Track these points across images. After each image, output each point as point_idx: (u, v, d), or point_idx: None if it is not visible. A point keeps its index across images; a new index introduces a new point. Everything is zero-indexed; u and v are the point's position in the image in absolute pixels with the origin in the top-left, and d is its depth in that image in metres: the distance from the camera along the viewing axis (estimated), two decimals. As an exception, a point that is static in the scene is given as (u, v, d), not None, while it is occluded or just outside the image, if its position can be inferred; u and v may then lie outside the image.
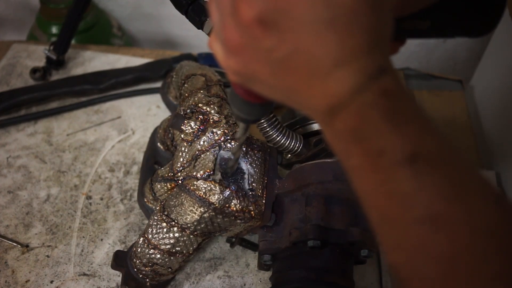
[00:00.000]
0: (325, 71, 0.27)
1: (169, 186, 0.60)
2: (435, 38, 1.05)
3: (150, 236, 0.56)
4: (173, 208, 0.55)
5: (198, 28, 0.56)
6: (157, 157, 0.71)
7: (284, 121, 0.62)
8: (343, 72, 0.27)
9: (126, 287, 0.58)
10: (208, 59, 0.88)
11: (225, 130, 0.58)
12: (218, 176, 0.54)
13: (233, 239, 0.61)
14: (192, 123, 0.59)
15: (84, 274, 0.64)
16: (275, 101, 0.33)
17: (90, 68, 0.92)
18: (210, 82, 0.66)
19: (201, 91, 0.64)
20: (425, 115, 0.28)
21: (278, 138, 0.57)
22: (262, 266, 0.57)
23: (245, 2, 0.27)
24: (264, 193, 0.55)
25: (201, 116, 0.60)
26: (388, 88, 0.27)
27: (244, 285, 0.63)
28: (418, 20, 0.39)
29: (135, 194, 0.72)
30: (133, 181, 0.74)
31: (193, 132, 0.59)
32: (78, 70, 0.92)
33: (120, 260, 0.59)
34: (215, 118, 0.59)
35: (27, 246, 0.67)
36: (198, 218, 0.53)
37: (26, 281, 0.64)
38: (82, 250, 0.67)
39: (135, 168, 0.76)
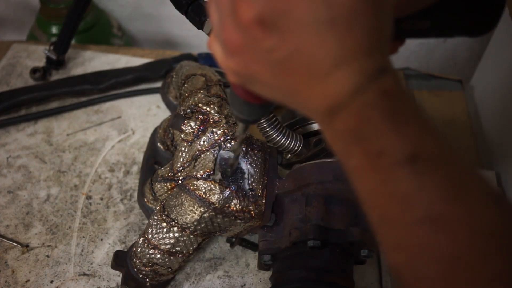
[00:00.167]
0: (325, 72, 0.27)
1: (169, 186, 0.60)
2: (435, 38, 1.05)
3: (150, 236, 0.56)
4: (173, 208, 0.55)
5: (198, 28, 0.56)
6: (157, 157, 0.71)
7: (284, 121, 0.62)
8: (343, 72, 0.27)
9: (126, 287, 0.58)
10: (208, 59, 0.88)
11: (225, 130, 0.58)
12: (218, 176, 0.54)
13: (233, 239, 0.61)
14: (192, 123, 0.59)
15: (84, 274, 0.64)
16: (275, 101, 0.33)
17: (90, 68, 0.92)
18: (210, 82, 0.66)
19: (201, 91, 0.64)
20: (425, 115, 0.28)
21: (278, 138, 0.57)
22: (262, 266, 0.57)
23: (244, 2, 0.27)
24: (264, 193, 0.55)
25: (201, 116, 0.60)
26: (388, 88, 0.27)
27: (244, 285, 0.63)
28: (417, 20, 0.39)
29: (135, 194, 0.72)
30: (133, 181, 0.74)
31: (193, 132, 0.59)
32: (78, 70, 0.92)
33: (120, 260, 0.59)
34: (215, 118, 0.59)
35: (27, 246, 0.67)
36: (198, 218, 0.53)
37: (26, 281, 0.64)
38: (82, 250, 0.67)
39: (135, 168, 0.76)
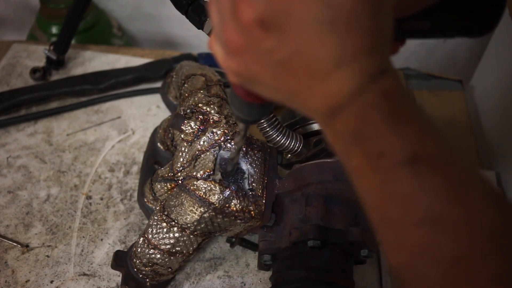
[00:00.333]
0: (325, 72, 0.27)
1: (169, 186, 0.60)
2: (435, 38, 1.05)
3: (150, 236, 0.56)
4: (173, 208, 0.55)
5: (198, 28, 0.56)
6: (157, 157, 0.71)
7: (284, 121, 0.62)
8: (344, 73, 0.27)
9: (126, 287, 0.58)
10: (208, 59, 0.88)
11: (225, 130, 0.58)
12: (218, 176, 0.54)
13: (233, 239, 0.61)
14: (192, 123, 0.59)
15: (84, 274, 0.64)
16: (276, 102, 0.33)
17: (90, 68, 0.92)
18: (210, 82, 0.66)
19: (201, 91, 0.64)
20: (425, 115, 0.28)
21: (278, 138, 0.57)
22: (262, 266, 0.57)
23: (245, 3, 0.27)
24: (264, 193, 0.55)
25: (201, 116, 0.60)
26: (389, 89, 0.27)
27: (244, 285, 0.63)
28: (418, 21, 0.39)
29: (135, 194, 0.72)
30: (133, 181, 0.74)
31: (193, 132, 0.59)
32: (78, 70, 0.92)
33: (120, 260, 0.59)
34: (215, 118, 0.59)
35: (27, 246, 0.67)
36: (198, 218, 0.53)
37: (26, 281, 0.64)
38: (82, 250, 0.67)
39: (135, 168, 0.76)
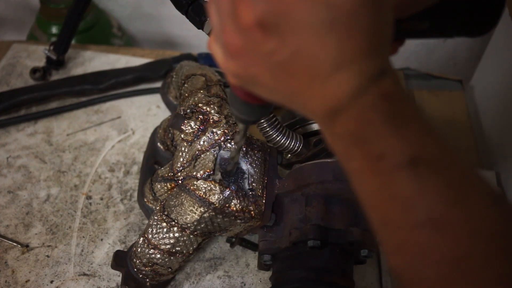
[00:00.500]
0: (325, 74, 0.27)
1: (169, 186, 0.60)
2: (435, 38, 1.05)
3: (150, 236, 0.56)
4: (173, 208, 0.55)
5: (198, 28, 0.56)
6: (157, 157, 0.71)
7: (284, 121, 0.62)
8: (344, 74, 0.27)
9: (126, 287, 0.58)
10: (208, 59, 0.88)
11: (225, 130, 0.58)
12: (218, 176, 0.54)
13: (233, 239, 0.61)
14: (192, 123, 0.59)
15: (84, 274, 0.64)
16: (275, 103, 0.33)
17: (90, 68, 0.92)
18: (210, 82, 0.66)
19: (201, 91, 0.64)
20: (425, 117, 0.28)
21: (278, 138, 0.57)
22: (262, 266, 0.57)
23: (244, 5, 0.27)
24: (264, 193, 0.55)
25: (201, 116, 0.60)
26: (388, 91, 0.27)
27: (244, 285, 0.63)
28: (417, 21, 0.39)
29: (135, 194, 0.72)
30: (133, 181, 0.74)
31: (193, 132, 0.59)
32: (78, 70, 0.92)
33: (120, 260, 0.59)
34: (215, 118, 0.59)
35: (27, 246, 0.67)
36: (198, 218, 0.53)
37: (26, 281, 0.64)
38: (82, 250, 0.67)
39: (135, 168, 0.76)
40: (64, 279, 0.64)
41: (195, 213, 0.53)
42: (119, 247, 0.67)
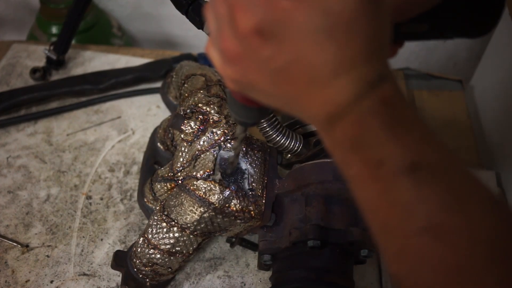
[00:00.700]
0: (324, 80, 0.27)
1: (169, 186, 0.60)
2: (434, 40, 1.05)
3: (150, 236, 0.56)
4: (173, 208, 0.55)
5: (198, 28, 0.56)
6: (157, 157, 0.71)
7: (284, 121, 0.62)
8: (342, 80, 0.27)
9: (126, 287, 0.58)
10: (208, 59, 0.87)
11: (225, 130, 0.58)
12: (218, 176, 0.54)
13: (233, 239, 0.61)
14: (192, 123, 0.59)
15: (84, 274, 0.64)
16: (274, 108, 0.33)
17: (90, 68, 0.92)
18: (210, 82, 0.66)
19: (201, 91, 0.64)
20: (425, 122, 0.28)
21: (278, 138, 0.57)
22: (262, 266, 0.57)
23: (242, 12, 0.27)
24: (264, 193, 0.55)
25: (201, 116, 0.60)
26: (388, 96, 0.27)
27: (244, 285, 0.63)
28: (416, 23, 0.39)
29: (135, 194, 0.72)
30: (133, 181, 0.74)
31: (193, 132, 0.59)
32: (78, 70, 0.92)
33: (120, 260, 0.59)
34: (215, 118, 0.59)
35: (27, 246, 0.67)
36: (198, 218, 0.53)
37: (26, 281, 0.64)
38: (82, 250, 0.67)
39: (135, 168, 0.76)
40: (64, 279, 0.64)
41: (195, 213, 0.53)
42: (119, 247, 0.67)
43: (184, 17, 0.56)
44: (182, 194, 0.55)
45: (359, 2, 0.26)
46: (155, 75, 0.87)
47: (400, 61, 1.14)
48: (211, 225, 0.54)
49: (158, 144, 0.71)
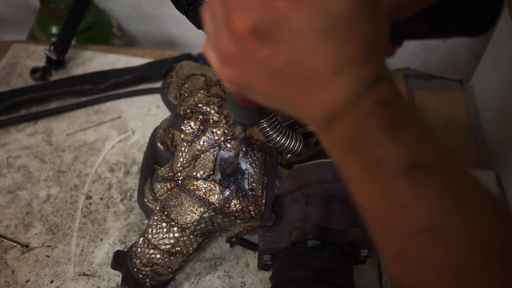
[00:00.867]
0: (322, 80, 0.27)
1: (169, 186, 0.60)
2: (433, 39, 1.05)
3: (150, 236, 0.56)
4: (173, 208, 0.55)
5: (198, 28, 0.56)
6: (157, 157, 0.71)
7: (284, 121, 0.62)
8: (340, 80, 0.27)
9: (126, 287, 0.58)
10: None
11: (225, 130, 0.58)
12: (218, 176, 0.54)
13: (233, 239, 0.61)
14: (192, 123, 0.59)
15: (84, 274, 0.64)
16: (272, 108, 0.33)
17: (90, 68, 0.92)
18: (210, 82, 0.66)
19: (201, 91, 0.64)
20: (423, 122, 0.28)
21: (278, 138, 0.57)
22: (262, 266, 0.57)
23: (238, 12, 0.27)
24: (264, 193, 0.55)
25: (201, 116, 0.60)
26: (386, 96, 0.27)
27: (244, 285, 0.63)
28: (415, 23, 0.39)
29: (135, 194, 0.72)
30: (133, 181, 0.74)
31: (193, 132, 0.59)
32: (78, 70, 0.92)
33: (120, 260, 0.59)
34: (215, 118, 0.59)
35: (27, 246, 0.67)
36: (198, 218, 0.53)
37: (26, 281, 0.64)
38: (82, 250, 0.67)
39: (135, 168, 0.76)
40: (64, 279, 0.64)
41: (195, 213, 0.53)
42: (119, 247, 0.67)
43: (184, 17, 0.56)
44: (182, 194, 0.55)
45: (356, 2, 0.26)
46: (155, 75, 0.87)
47: (400, 61, 1.14)
48: (211, 225, 0.54)
49: (158, 144, 0.71)
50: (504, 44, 0.84)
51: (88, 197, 0.73)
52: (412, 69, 0.92)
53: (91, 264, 0.65)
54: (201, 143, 0.58)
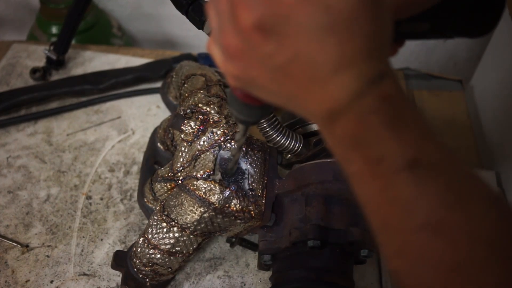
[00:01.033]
0: (325, 77, 0.27)
1: (169, 186, 0.60)
2: (435, 39, 1.05)
3: (150, 236, 0.56)
4: (173, 208, 0.55)
5: (199, 28, 0.56)
6: (157, 157, 0.71)
7: (284, 121, 0.62)
8: (343, 77, 0.27)
9: (126, 287, 0.58)
10: (208, 59, 0.88)
11: (225, 130, 0.58)
12: (218, 176, 0.54)
13: (233, 239, 0.61)
14: (192, 123, 0.59)
15: (84, 274, 0.64)
16: (275, 105, 0.33)
17: (90, 68, 0.92)
18: (210, 82, 0.66)
19: (201, 91, 0.64)
20: (425, 120, 0.28)
21: (278, 138, 0.57)
22: (262, 266, 0.57)
23: (244, 8, 0.27)
24: (264, 193, 0.56)
25: (201, 116, 0.60)
26: (388, 93, 0.27)
27: (244, 285, 0.63)
28: (417, 23, 0.39)
29: (135, 194, 0.72)
30: (133, 181, 0.74)
31: (193, 132, 0.59)
32: (78, 70, 0.92)
33: (120, 260, 0.59)
34: (215, 118, 0.59)
35: (27, 246, 0.67)
36: (198, 218, 0.53)
37: (26, 281, 0.64)
38: (82, 250, 0.67)
39: (135, 168, 0.76)
40: (64, 279, 0.64)
41: (195, 213, 0.53)
42: (119, 247, 0.67)
43: (184, 17, 0.56)
44: (182, 194, 0.55)
45: (360, 0, 0.26)
46: (155, 75, 0.87)
47: (400, 61, 1.14)
48: (211, 225, 0.54)
49: (158, 144, 0.71)
50: (504, 44, 0.84)
51: (88, 197, 0.73)
52: (412, 69, 0.92)
53: (91, 264, 0.65)
54: (201, 143, 0.58)
